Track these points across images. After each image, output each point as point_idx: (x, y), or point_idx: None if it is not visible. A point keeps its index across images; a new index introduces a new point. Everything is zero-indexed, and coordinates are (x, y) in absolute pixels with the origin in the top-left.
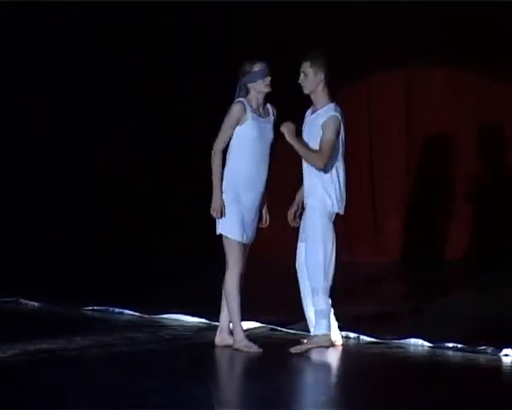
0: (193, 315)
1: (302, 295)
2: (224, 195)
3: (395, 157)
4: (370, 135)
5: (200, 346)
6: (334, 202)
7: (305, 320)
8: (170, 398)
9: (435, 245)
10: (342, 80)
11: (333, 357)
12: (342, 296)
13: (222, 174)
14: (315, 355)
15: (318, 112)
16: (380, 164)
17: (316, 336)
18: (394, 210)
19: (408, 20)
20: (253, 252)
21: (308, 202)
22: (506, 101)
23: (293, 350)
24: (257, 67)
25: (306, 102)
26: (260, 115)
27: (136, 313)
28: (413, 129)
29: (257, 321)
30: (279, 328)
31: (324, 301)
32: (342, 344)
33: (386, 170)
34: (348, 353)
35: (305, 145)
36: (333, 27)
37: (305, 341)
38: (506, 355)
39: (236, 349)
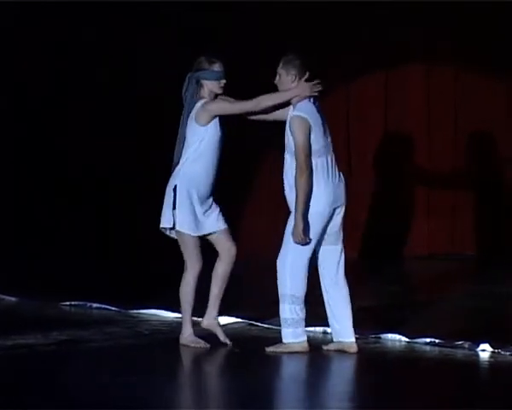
0: (171, 310)
1: (326, 304)
2: (177, 190)
3: (373, 152)
4: (348, 132)
5: (178, 341)
6: (323, 199)
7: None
8: (146, 394)
9: (410, 242)
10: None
11: (310, 353)
12: (320, 292)
13: None
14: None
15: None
16: (358, 158)
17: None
18: (371, 207)
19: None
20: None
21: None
22: (484, 100)
23: (268, 350)
24: (216, 68)
25: None
26: None
27: (115, 309)
28: (390, 127)
29: (236, 317)
30: (258, 323)
31: (290, 311)
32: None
33: (364, 165)
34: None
35: (297, 203)
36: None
37: (325, 347)
38: (483, 350)
39: (184, 345)
